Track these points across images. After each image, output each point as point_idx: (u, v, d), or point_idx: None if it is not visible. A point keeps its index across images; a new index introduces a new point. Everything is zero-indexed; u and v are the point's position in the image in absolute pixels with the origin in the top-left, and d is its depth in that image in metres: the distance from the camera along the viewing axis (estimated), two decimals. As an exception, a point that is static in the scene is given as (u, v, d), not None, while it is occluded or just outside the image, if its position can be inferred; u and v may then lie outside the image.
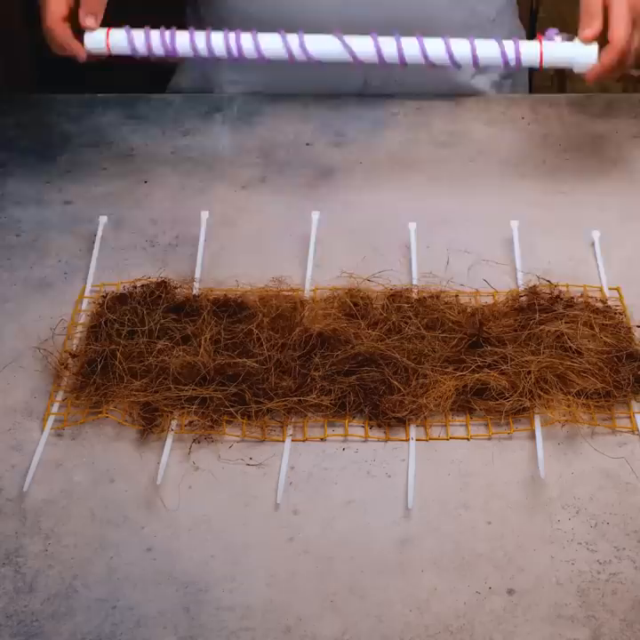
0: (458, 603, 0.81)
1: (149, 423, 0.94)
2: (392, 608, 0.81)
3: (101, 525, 0.88)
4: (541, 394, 0.94)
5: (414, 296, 1.04)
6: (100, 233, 1.14)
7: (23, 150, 1.30)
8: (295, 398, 0.94)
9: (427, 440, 0.94)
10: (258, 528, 0.87)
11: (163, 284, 1.04)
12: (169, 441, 0.93)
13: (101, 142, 1.31)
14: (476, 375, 0.95)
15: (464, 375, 0.95)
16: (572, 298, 1.03)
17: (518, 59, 1.10)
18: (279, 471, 0.91)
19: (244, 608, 0.81)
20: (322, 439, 0.94)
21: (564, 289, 1.04)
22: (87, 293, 1.08)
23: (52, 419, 0.95)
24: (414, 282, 1.07)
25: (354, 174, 1.25)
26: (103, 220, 1.15)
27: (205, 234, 1.14)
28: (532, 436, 0.93)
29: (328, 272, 1.07)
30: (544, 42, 1.12)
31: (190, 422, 0.94)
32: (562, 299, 1.02)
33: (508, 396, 0.94)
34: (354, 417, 0.95)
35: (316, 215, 1.14)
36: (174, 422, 0.94)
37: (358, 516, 0.88)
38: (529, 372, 0.94)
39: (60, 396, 0.97)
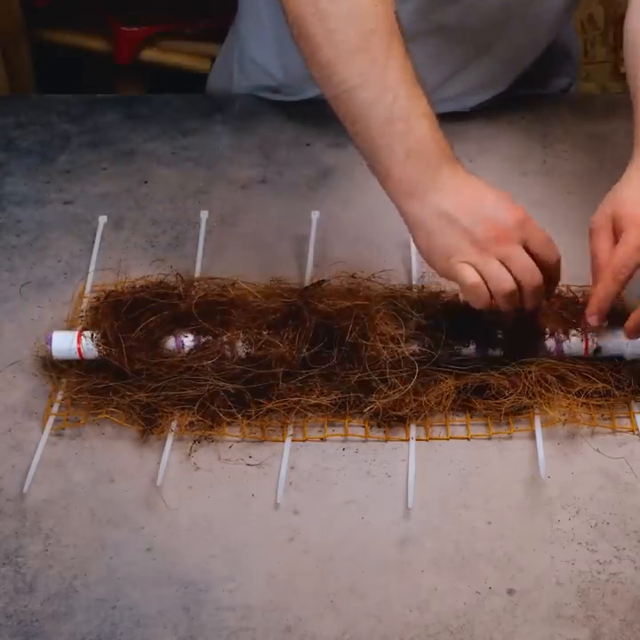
0: (458, 603, 0.81)
1: (149, 424, 0.94)
2: (392, 608, 0.81)
3: (101, 525, 0.88)
4: (542, 392, 0.94)
5: (414, 296, 1.03)
6: (99, 233, 1.14)
7: (23, 150, 1.30)
8: (295, 398, 0.94)
9: (427, 440, 0.94)
10: (258, 528, 0.87)
11: (162, 285, 1.04)
12: (169, 441, 0.93)
13: (101, 142, 1.31)
14: (477, 374, 0.95)
15: (464, 374, 0.95)
16: (575, 297, 1.02)
17: (560, 350, 0.97)
18: (279, 471, 0.91)
19: (244, 608, 0.81)
20: (322, 439, 0.94)
21: (563, 289, 1.04)
22: (87, 293, 1.08)
23: (52, 419, 0.95)
24: (414, 282, 1.07)
25: (354, 174, 1.25)
26: (103, 219, 1.15)
27: (205, 234, 1.14)
28: (533, 436, 0.93)
29: (328, 272, 1.07)
30: (590, 334, 0.98)
31: (191, 423, 0.94)
32: (562, 298, 1.02)
33: (508, 394, 0.94)
34: (354, 417, 0.95)
35: (315, 215, 1.15)
36: (174, 423, 0.94)
37: (358, 515, 0.88)
38: (530, 372, 0.95)
39: (59, 396, 0.97)
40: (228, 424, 0.94)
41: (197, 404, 0.94)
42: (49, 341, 0.98)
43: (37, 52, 2.01)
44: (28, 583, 0.83)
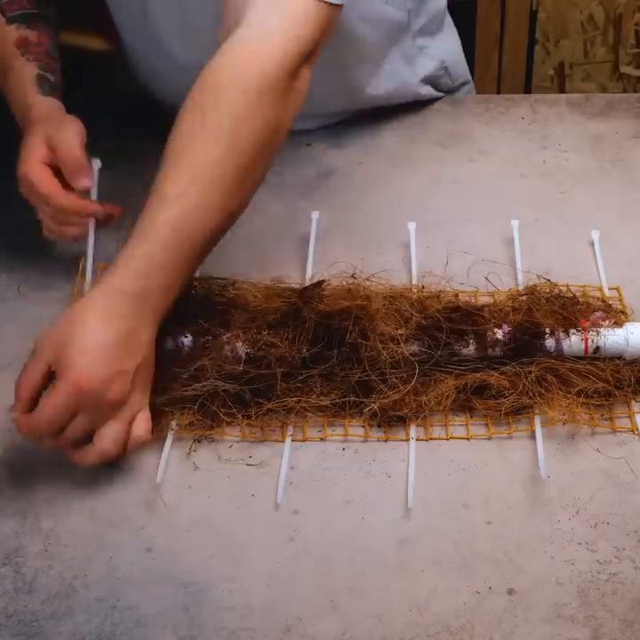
0: (458, 603, 0.81)
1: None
2: (392, 608, 0.81)
3: (101, 525, 0.88)
4: (542, 392, 0.94)
5: (414, 296, 1.03)
6: (96, 177, 1.12)
7: (23, 150, 1.29)
8: (295, 398, 0.94)
9: (427, 440, 0.94)
10: (258, 528, 0.87)
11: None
12: (169, 441, 0.93)
13: (101, 142, 1.31)
14: (477, 374, 0.95)
15: (464, 374, 0.95)
16: (575, 296, 1.02)
17: (559, 349, 0.97)
18: (279, 471, 0.91)
19: (244, 608, 0.81)
20: (321, 439, 0.94)
21: (563, 288, 1.04)
22: (87, 293, 1.07)
23: None
24: (414, 281, 1.07)
25: (354, 174, 1.25)
26: (97, 164, 1.13)
27: (205, 234, 1.14)
28: (533, 436, 0.93)
29: (328, 272, 1.07)
30: (589, 333, 0.97)
31: (191, 423, 0.94)
32: (562, 297, 1.02)
33: (507, 394, 0.94)
34: (354, 417, 0.95)
35: (315, 215, 1.14)
36: (174, 422, 0.94)
37: (358, 516, 0.88)
38: (529, 372, 0.95)
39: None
40: (228, 424, 0.94)
41: (197, 403, 0.94)
42: None
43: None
44: (27, 583, 0.83)
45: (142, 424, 0.90)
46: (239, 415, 0.94)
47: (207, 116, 0.93)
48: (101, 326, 0.87)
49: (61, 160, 1.04)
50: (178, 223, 0.91)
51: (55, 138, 1.04)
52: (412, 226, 1.14)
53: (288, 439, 0.93)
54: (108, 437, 0.88)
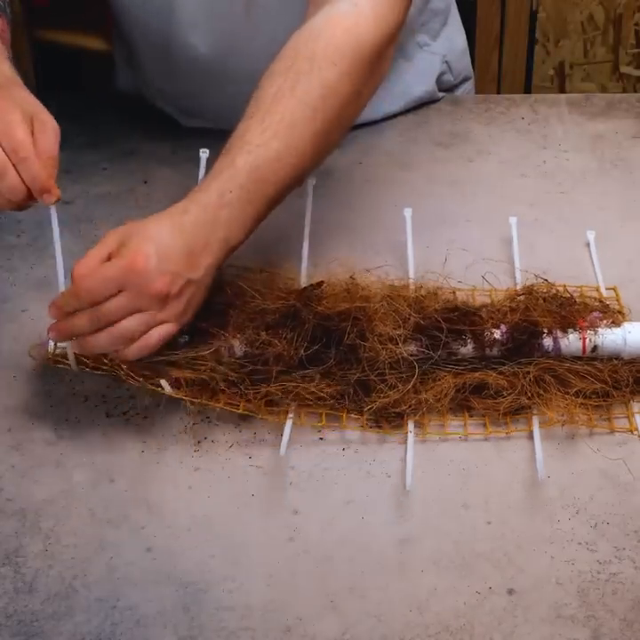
0: (458, 603, 0.81)
1: (150, 379, 0.93)
2: (392, 608, 0.81)
3: (101, 525, 0.88)
4: (541, 392, 0.94)
5: (412, 295, 1.03)
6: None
7: (23, 150, 1.29)
8: (294, 383, 0.94)
9: (424, 436, 0.93)
10: (258, 528, 0.87)
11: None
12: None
13: (101, 142, 1.31)
14: (475, 374, 0.95)
15: (462, 373, 0.95)
16: (572, 297, 1.02)
17: (557, 348, 0.97)
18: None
19: (244, 608, 0.81)
20: (320, 438, 0.94)
21: (561, 288, 1.04)
22: (87, 293, 1.07)
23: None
24: (411, 275, 1.07)
25: (353, 174, 1.25)
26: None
27: (205, 234, 1.14)
28: (532, 436, 0.93)
29: (327, 271, 1.07)
30: (588, 334, 0.97)
31: (191, 389, 0.94)
32: (560, 297, 1.02)
33: (505, 394, 0.94)
34: (352, 413, 0.95)
35: (311, 181, 1.14)
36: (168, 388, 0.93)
37: (358, 515, 0.88)
38: (527, 372, 0.95)
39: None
40: (228, 399, 0.93)
41: (200, 371, 0.93)
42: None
43: (37, 51, 2.01)
44: (27, 583, 0.83)
45: (160, 333, 0.92)
46: (240, 387, 0.93)
47: (299, 81, 0.97)
48: (171, 232, 0.92)
49: (39, 150, 0.95)
50: (254, 170, 0.95)
51: (33, 122, 0.94)
52: (407, 212, 1.13)
53: (289, 422, 0.93)
54: (130, 323, 0.90)
